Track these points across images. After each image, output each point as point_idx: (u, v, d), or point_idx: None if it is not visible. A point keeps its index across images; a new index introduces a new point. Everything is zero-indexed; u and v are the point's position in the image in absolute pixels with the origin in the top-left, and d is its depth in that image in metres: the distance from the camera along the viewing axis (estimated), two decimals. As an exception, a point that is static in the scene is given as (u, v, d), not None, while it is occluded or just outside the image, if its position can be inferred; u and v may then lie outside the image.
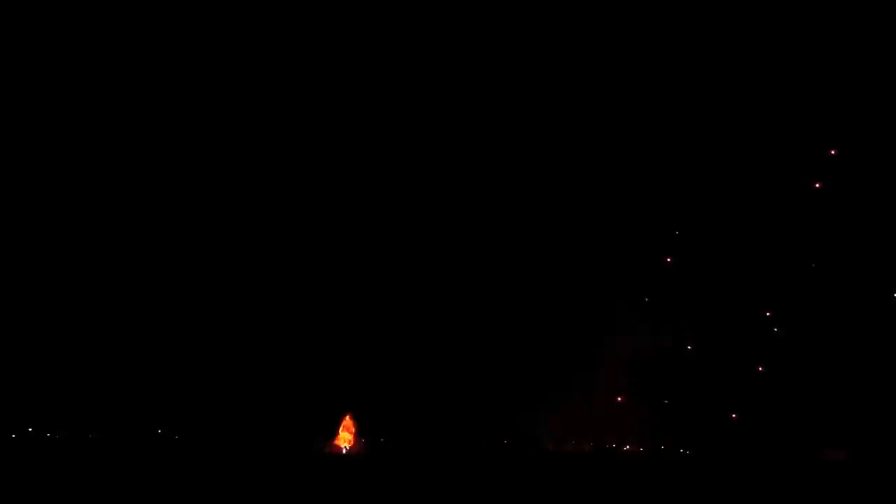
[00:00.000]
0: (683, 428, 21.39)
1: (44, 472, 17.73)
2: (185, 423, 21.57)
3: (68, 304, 21.50)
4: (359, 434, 21.22)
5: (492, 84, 21.88)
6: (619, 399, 21.31)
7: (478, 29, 21.82)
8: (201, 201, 21.97)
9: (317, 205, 22.21)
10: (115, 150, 22.01)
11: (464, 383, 21.78)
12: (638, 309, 21.45)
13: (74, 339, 21.44)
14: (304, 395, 21.63)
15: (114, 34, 21.55)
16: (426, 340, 21.91)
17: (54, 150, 21.79)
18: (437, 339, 21.91)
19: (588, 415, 21.52)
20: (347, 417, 21.27)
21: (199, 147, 22.12)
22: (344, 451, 21.25)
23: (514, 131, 21.97)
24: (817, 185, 20.64)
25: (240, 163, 22.20)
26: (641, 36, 21.40)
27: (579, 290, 22.06)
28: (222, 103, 21.94)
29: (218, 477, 18.27)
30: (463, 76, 21.92)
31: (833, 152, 20.61)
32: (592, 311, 21.95)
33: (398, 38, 21.96)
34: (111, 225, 21.85)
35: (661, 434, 21.45)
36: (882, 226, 20.38)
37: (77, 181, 21.82)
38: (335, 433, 21.23)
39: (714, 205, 21.35)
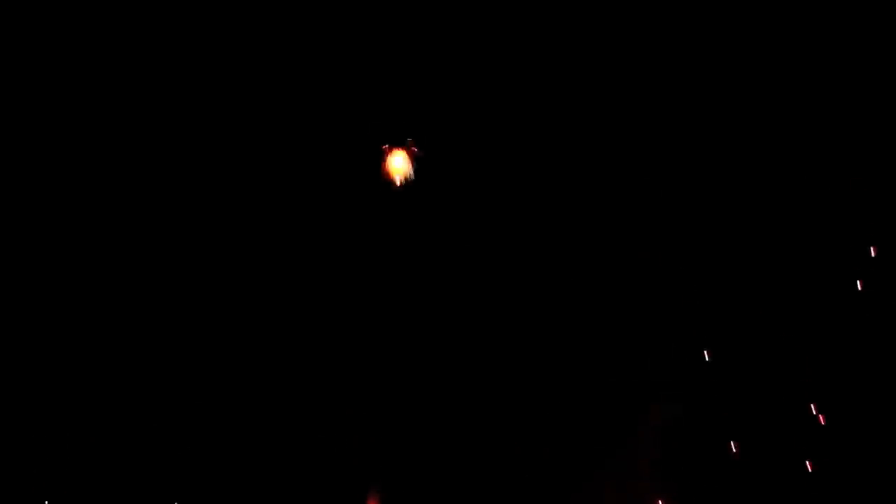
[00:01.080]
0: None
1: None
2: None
3: (89, 320, 20.57)
4: None
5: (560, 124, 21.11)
6: (650, 474, 20.86)
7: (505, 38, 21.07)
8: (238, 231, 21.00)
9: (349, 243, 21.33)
10: (117, 152, 21.14)
11: (491, 452, 21.17)
12: (673, 388, 21.07)
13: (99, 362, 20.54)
14: (319, 468, 20.85)
15: (114, 34, 20.62)
16: (450, 410, 21.25)
17: (54, 152, 20.95)
18: (462, 406, 21.26)
19: (619, 488, 21.03)
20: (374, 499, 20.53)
21: (207, 150, 21.29)
22: None
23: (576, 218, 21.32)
24: (859, 285, 20.52)
25: (252, 170, 21.36)
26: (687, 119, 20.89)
27: (611, 361, 21.57)
28: (223, 103, 21.13)
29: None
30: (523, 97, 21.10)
31: (874, 251, 20.52)
32: (625, 384, 21.47)
33: (402, 39, 21.21)
34: (128, 238, 20.92)
35: None
36: None
37: (82, 191, 20.87)
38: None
39: (755, 297, 21.14)
